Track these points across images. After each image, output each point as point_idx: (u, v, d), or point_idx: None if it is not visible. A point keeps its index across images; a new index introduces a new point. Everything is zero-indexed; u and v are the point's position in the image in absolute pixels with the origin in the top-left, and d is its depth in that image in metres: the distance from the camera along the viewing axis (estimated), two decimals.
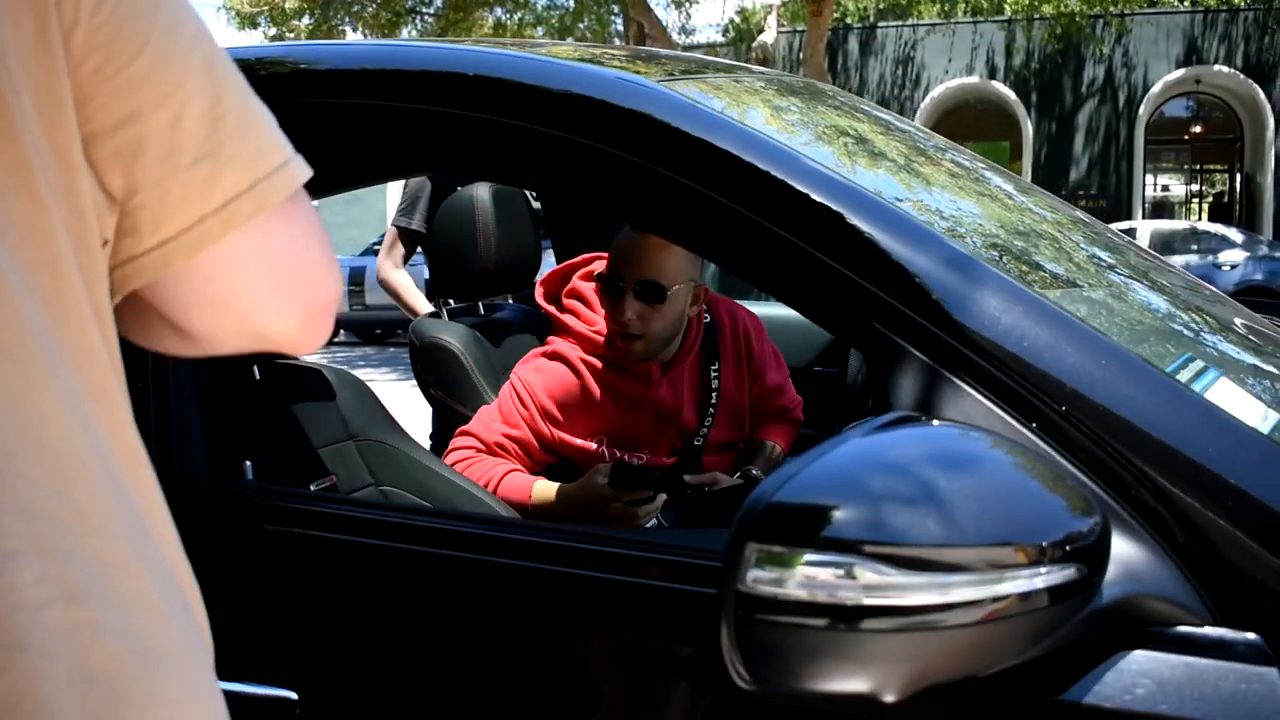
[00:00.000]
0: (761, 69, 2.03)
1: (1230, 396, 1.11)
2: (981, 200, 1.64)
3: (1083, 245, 1.66)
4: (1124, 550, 0.94)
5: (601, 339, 2.15)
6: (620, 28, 18.18)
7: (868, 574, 0.80)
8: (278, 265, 0.73)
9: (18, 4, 0.63)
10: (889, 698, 0.84)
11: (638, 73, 1.39)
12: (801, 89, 1.88)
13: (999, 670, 0.88)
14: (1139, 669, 0.93)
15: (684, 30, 19.42)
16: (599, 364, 2.15)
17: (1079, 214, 1.92)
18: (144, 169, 0.68)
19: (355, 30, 16.42)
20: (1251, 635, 0.92)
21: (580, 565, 1.17)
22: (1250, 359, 1.41)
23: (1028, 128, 22.34)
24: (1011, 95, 22.35)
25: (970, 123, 23.29)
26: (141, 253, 0.69)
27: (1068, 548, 0.86)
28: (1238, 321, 1.62)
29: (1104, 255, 1.65)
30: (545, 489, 2.01)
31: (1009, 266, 1.24)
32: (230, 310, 0.74)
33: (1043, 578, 0.85)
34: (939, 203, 1.47)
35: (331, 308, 0.78)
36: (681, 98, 1.25)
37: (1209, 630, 0.93)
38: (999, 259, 1.28)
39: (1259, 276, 14.35)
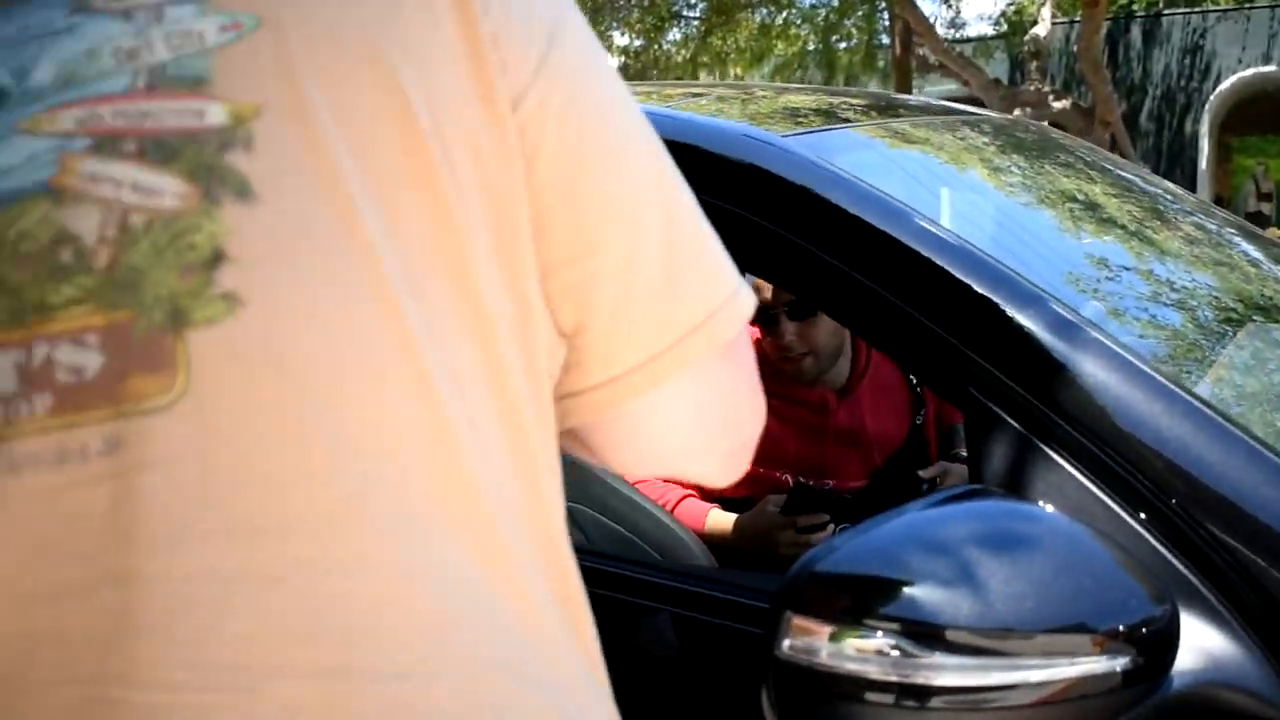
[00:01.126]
0: (990, 116, 1.99)
1: None
2: (1218, 269, 1.58)
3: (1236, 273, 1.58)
4: (1206, 638, 0.92)
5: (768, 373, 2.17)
6: (887, 23, 17.89)
7: (903, 651, 0.82)
8: (711, 408, 0.68)
9: (482, 144, 0.59)
10: None
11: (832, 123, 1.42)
12: (1032, 143, 1.84)
13: None
14: None
15: (953, 24, 18.87)
16: (774, 399, 2.16)
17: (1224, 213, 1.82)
18: (598, 304, 0.62)
19: (621, 34, 16.86)
20: None
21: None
22: None
23: None
24: None
25: (1269, 115, 21.70)
26: (585, 389, 0.64)
27: (1132, 633, 0.85)
28: None
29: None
30: (720, 519, 2.04)
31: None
32: (654, 455, 0.70)
33: (1103, 663, 0.84)
34: (1168, 272, 1.44)
35: (753, 443, 0.73)
36: (800, 153, 1.28)
37: None
38: (1225, 331, 1.25)
39: None
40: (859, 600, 0.83)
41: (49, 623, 0.50)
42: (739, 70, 18.23)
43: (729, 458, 0.72)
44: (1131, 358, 1.06)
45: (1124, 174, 1.90)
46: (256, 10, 0.54)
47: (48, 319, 0.49)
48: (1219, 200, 18.09)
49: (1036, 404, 1.02)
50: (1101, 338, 1.07)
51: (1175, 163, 20.37)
